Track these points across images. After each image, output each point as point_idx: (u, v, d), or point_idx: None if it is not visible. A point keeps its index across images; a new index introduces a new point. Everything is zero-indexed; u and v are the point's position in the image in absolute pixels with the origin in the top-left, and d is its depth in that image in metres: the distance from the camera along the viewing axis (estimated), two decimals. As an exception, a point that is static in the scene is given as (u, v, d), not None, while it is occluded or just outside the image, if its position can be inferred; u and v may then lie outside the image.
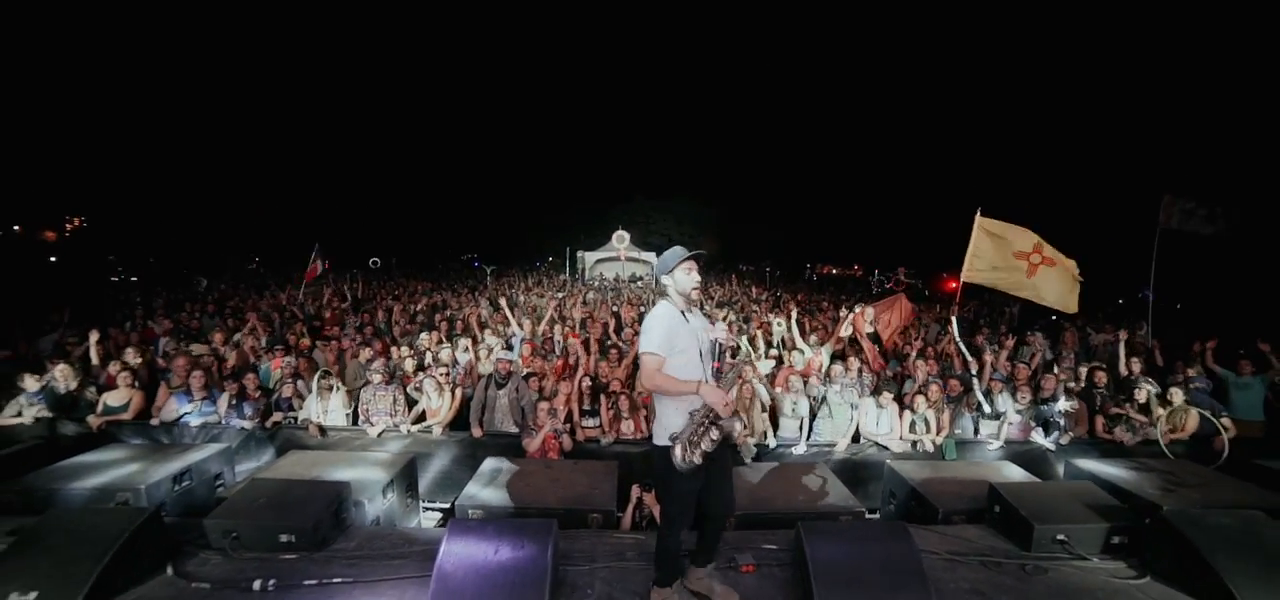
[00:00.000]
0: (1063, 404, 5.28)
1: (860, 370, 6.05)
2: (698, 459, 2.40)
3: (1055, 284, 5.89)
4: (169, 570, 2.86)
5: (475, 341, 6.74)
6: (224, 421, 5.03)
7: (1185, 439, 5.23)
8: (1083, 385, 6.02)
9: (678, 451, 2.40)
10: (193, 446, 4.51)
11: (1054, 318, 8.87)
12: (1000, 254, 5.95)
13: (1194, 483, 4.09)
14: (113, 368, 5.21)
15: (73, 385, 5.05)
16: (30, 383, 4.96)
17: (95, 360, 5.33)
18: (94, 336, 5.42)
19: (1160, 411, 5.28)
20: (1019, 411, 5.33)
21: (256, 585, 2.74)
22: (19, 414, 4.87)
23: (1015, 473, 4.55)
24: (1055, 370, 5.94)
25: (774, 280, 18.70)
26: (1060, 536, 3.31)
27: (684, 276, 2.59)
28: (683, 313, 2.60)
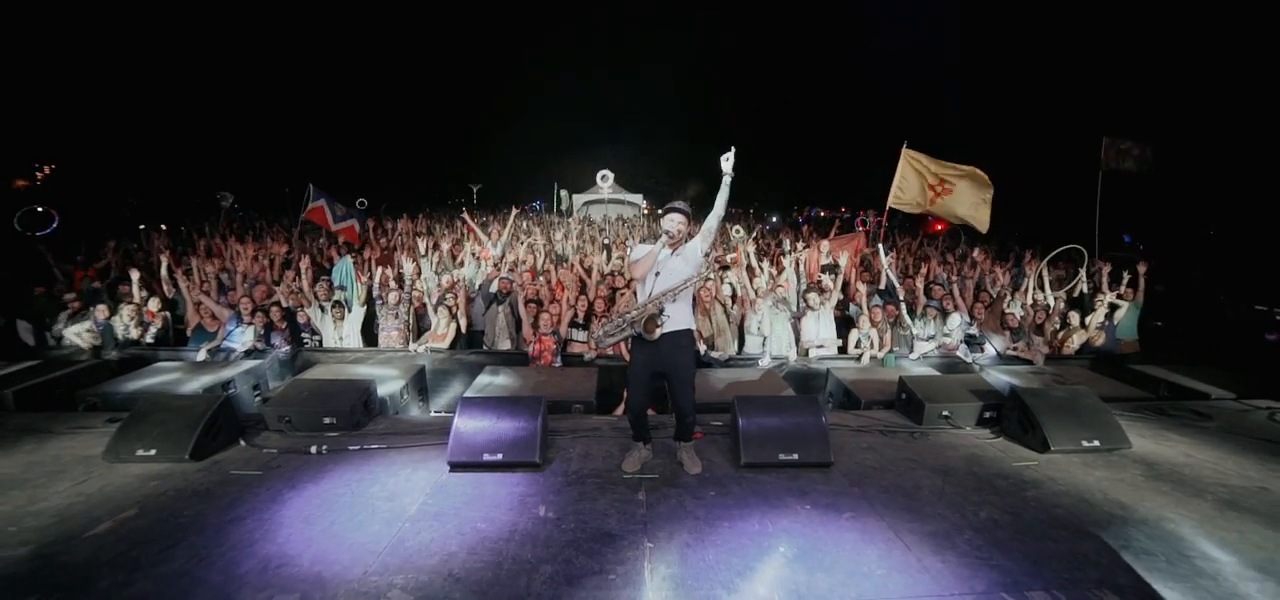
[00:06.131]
0: (956, 320, 6.17)
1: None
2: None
3: (954, 206, 6.69)
4: (241, 443, 3.66)
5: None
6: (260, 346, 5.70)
7: (1072, 353, 6.16)
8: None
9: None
10: (236, 362, 5.27)
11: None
12: (919, 184, 6.72)
13: (1069, 380, 5.00)
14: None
15: (134, 333, 5.69)
16: (101, 313, 5.61)
17: (137, 297, 5.92)
18: (136, 276, 5.98)
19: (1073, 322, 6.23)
20: (947, 334, 6.20)
21: (313, 449, 3.54)
22: (83, 333, 5.55)
23: (928, 372, 5.44)
24: (953, 291, 6.71)
25: (758, 219, 19.40)
26: (945, 413, 4.20)
27: (666, 221, 3.28)
28: (667, 246, 3.27)
